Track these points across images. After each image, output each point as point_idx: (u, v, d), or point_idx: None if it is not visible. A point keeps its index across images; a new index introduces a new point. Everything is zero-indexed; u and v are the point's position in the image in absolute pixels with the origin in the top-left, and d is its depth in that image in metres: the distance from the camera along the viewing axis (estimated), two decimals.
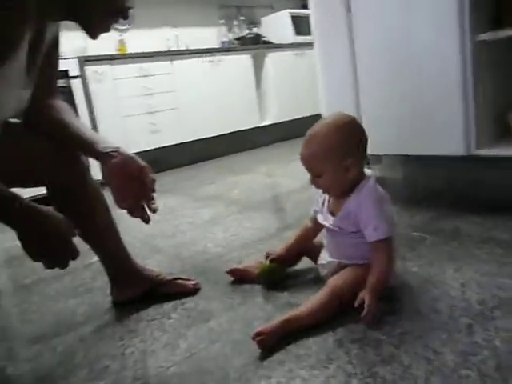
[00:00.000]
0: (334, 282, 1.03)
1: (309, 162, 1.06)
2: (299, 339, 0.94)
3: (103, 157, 1.02)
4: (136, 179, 1.03)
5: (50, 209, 0.87)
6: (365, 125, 1.69)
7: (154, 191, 1.06)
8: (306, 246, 1.25)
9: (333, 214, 1.11)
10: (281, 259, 1.24)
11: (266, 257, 1.26)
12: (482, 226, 1.42)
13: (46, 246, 0.84)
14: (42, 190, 1.16)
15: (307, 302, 1.00)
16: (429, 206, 1.67)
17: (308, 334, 0.95)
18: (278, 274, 1.24)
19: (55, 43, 1.04)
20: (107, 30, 0.96)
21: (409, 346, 0.87)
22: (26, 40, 0.80)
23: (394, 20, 1.59)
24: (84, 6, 0.91)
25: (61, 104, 1.11)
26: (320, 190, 1.13)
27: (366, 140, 1.09)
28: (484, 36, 1.42)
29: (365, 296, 0.97)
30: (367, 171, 1.11)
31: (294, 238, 1.26)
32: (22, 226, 0.82)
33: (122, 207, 1.02)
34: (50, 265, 0.86)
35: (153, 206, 1.05)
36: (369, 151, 1.74)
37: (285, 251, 1.25)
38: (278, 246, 1.28)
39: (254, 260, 1.33)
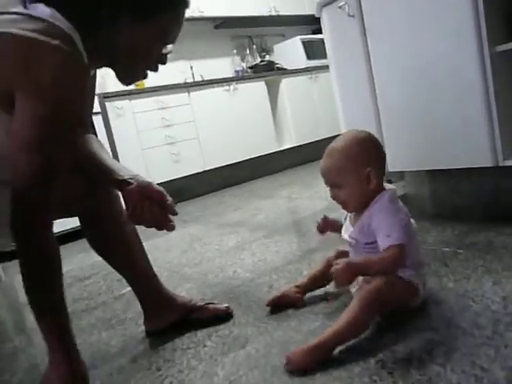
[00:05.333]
0: (362, 292, 0.99)
1: (329, 173, 1.09)
2: (340, 361, 0.92)
3: (121, 183, 1.06)
4: (154, 203, 1.04)
5: None
6: (386, 142, 1.73)
7: (175, 213, 1.07)
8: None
9: (353, 226, 1.13)
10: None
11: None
12: None
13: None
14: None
15: (340, 318, 0.96)
16: (459, 221, 1.64)
17: (349, 356, 0.93)
18: None
19: (93, 83, 1.13)
20: (145, 77, 1.03)
21: (455, 365, 0.83)
22: None
23: (409, 36, 1.61)
24: (127, 58, 0.96)
25: (90, 136, 1.15)
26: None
27: (384, 154, 1.12)
28: (502, 47, 1.42)
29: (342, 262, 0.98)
30: (389, 185, 1.11)
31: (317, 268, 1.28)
32: None
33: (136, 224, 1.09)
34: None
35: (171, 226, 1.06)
36: (391, 168, 1.74)
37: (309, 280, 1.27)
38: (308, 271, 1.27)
39: (287, 285, 1.31)
